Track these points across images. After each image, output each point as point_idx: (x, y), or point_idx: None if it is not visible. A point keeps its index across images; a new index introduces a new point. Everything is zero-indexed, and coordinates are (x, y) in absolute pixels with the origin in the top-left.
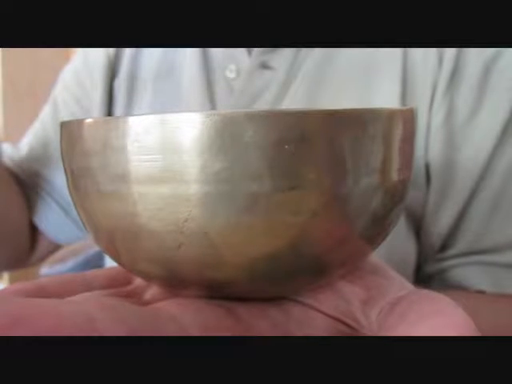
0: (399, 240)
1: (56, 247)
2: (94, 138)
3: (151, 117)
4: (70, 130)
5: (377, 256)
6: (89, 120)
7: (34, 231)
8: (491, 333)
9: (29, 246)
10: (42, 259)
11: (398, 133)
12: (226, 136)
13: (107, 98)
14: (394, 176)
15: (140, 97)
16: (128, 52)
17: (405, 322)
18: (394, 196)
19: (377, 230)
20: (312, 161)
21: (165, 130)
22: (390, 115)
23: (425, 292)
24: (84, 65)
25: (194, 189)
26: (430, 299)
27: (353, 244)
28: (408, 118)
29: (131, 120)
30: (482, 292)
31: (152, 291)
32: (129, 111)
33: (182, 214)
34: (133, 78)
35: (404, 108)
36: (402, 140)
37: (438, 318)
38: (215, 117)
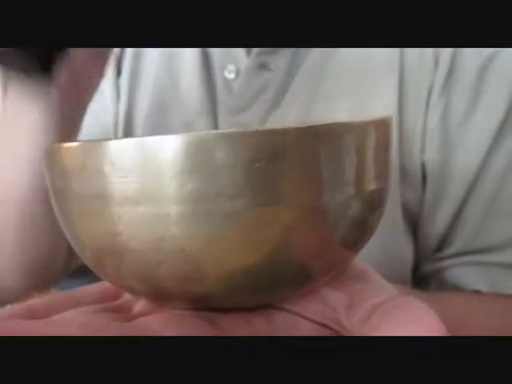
0: (396, 239)
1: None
2: (72, 161)
3: (126, 141)
4: (50, 154)
5: (372, 255)
6: (67, 144)
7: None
8: (486, 333)
9: (64, 265)
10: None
11: (371, 144)
12: (198, 157)
13: (116, 97)
14: (370, 185)
15: (141, 96)
16: (129, 51)
17: (380, 329)
18: (372, 204)
19: (356, 238)
20: (285, 177)
21: (140, 153)
22: (362, 127)
23: (402, 299)
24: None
25: (169, 208)
26: (406, 307)
27: (333, 253)
28: (382, 127)
29: (107, 144)
30: (478, 292)
31: (141, 304)
32: (130, 110)
33: (159, 233)
34: (134, 78)
35: (377, 119)
36: (376, 150)
37: (411, 326)
38: (187, 138)
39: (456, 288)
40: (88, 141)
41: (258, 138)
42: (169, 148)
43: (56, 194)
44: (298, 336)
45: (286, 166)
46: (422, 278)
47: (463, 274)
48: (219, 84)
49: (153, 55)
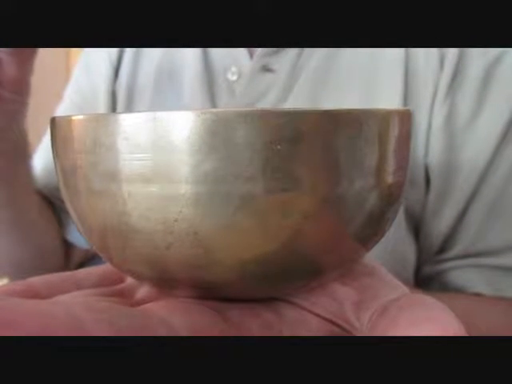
0: (399, 240)
1: (87, 252)
2: (84, 135)
3: (141, 114)
4: (60, 127)
5: (377, 256)
6: (79, 117)
7: (66, 245)
8: (487, 335)
9: (64, 260)
10: (77, 267)
11: (393, 134)
12: (218, 135)
13: (112, 103)
14: (389, 178)
15: (139, 99)
16: (128, 52)
17: (396, 326)
18: (389, 198)
19: (371, 232)
20: (305, 162)
21: (155, 128)
22: (385, 116)
23: (417, 296)
24: (88, 81)
25: (184, 189)
26: (422, 304)
27: (346, 246)
28: (404, 119)
29: (121, 117)
30: (479, 294)
31: (143, 290)
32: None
33: (171, 213)
34: (133, 80)
35: (400, 109)
36: (397, 141)
37: (429, 324)
38: (207, 115)
39: (457, 290)
40: (99, 114)
41: (281, 118)
42: (187, 124)
43: (62, 169)
44: (313, 336)
45: (306, 150)
46: (424, 279)
47: (465, 276)
48: (221, 86)
49: (153, 57)
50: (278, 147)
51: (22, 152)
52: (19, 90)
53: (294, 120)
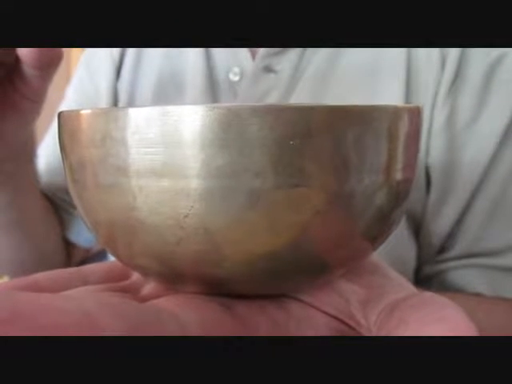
0: (399, 240)
1: (88, 251)
2: (93, 129)
3: (152, 108)
4: (69, 121)
5: (377, 256)
6: (88, 111)
7: (68, 245)
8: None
9: (65, 260)
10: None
11: (403, 131)
12: (230, 130)
13: (114, 102)
14: (398, 175)
15: (141, 98)
16: (130, 52)
17: (406, 326)
18: (398, 195)
19: (379, 229)
20: (316, 157)
21: (166, 123)
22: (395, 112)
23: (428, 295)
24: (90, 80)
25: (195, 183)
26: (434, 303)
27: (355, 243)
28: (414, 115)
29: (132, 111)
30: (479, 295)
31: (149, 287)
32: None
33: (182, 208)
34: (134, 80)
35: (411, 106)
36: (407, 138)
37: (441, 323)
38: (219, 110)
39: (457, 290)
40: (108, 108)
41: (294, 113)
42: (199, 118)
43: (70, 164)
44: (324, 336)
45: (317, 145)
46: (424, 279)
47: (465, 276)
48: (223, 87)
49: (154, 57)
50: (291, 142)
51: (29, 153)
52: (39, 99)
53: (307, 115)
